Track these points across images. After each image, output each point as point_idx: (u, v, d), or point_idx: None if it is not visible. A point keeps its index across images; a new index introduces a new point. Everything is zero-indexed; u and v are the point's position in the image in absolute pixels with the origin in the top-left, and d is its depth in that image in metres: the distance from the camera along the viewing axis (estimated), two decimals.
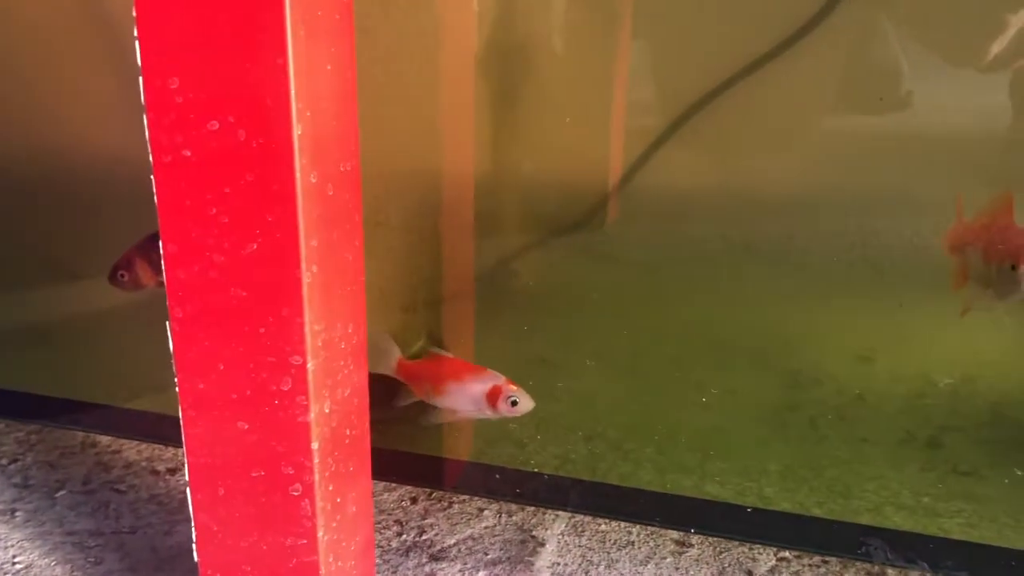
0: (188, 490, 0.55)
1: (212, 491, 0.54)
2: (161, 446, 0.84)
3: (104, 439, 0.85)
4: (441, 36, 0.77)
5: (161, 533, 0.72)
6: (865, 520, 0.68)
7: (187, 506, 0.75)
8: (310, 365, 0.50)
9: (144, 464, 0.81)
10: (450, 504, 0.77)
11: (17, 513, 0.75)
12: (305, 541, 0.54)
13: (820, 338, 0.88)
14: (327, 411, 0.52)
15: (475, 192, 0.85)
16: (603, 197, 0.92)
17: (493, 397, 0.70)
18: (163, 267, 0.50)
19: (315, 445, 0.51)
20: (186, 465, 0.54)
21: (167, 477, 0.79)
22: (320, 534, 0.54)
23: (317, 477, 0.52)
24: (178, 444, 0.83)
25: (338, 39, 0.48)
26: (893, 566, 0.65)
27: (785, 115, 0.85)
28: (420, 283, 0.82)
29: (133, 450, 0.83)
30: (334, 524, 0.55)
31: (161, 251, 0.49)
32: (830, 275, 0.88)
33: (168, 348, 0.51)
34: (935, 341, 0.85)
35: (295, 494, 0.53)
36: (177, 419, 0.52)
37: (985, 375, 0.82)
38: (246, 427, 0.52)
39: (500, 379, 0.71)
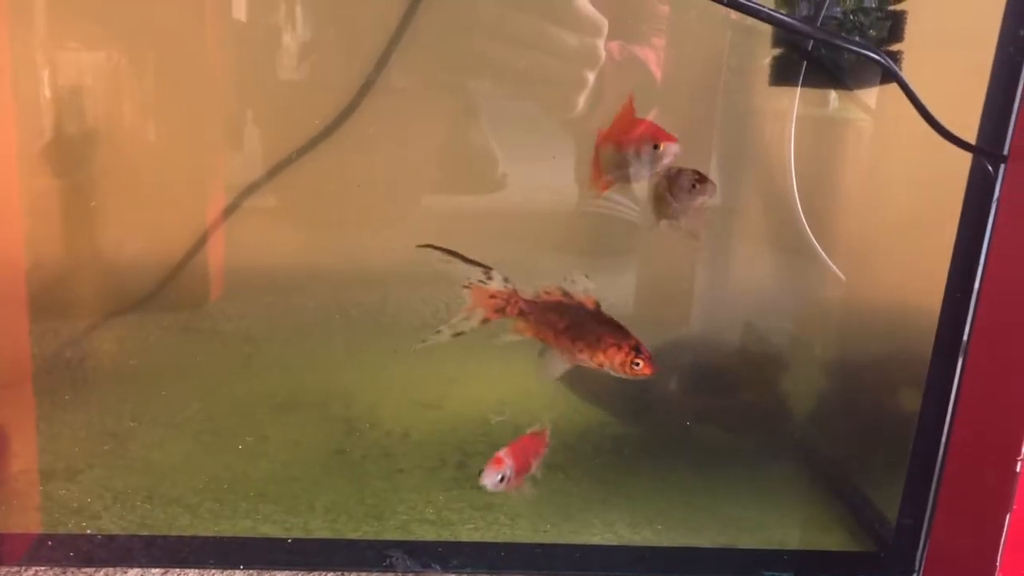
0: None
1: None
2: None
3: None
4: None
5: None
6: (394, 536, 0.79)
7: None
8: None
9: None
10: None
11: None
12: None
13: (396, 391, 1.01)
14: None
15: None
16: (203, 275, 0.99)
17: None
18: None
19: None
20: None
21: None
22: None
23: None
24: None
25: None
26: (413, 571, 0.77)
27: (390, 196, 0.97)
28: None
29: None
30: None
31: None
32: (413, 336, 1.01)
33: None
34: (491, 386, 1.01)
35: None
36: None
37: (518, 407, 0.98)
38: None
39: None
